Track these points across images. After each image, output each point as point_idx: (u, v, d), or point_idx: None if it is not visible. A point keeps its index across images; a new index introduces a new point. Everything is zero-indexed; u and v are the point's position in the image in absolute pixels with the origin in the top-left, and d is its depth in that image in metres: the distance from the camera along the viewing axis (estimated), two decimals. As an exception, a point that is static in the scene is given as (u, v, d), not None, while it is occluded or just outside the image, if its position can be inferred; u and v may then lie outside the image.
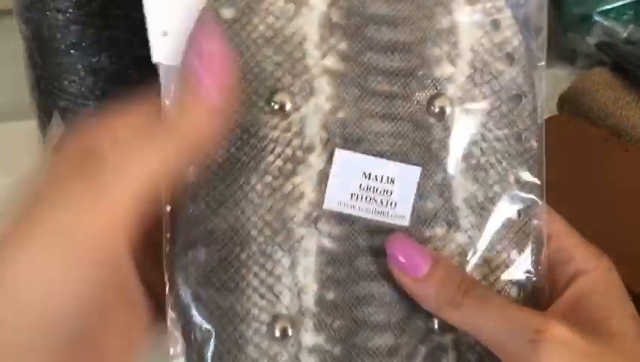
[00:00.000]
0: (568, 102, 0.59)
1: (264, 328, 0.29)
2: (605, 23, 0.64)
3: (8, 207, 0.24)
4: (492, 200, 0.30)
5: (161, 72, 0.30)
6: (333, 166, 0.29)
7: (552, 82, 0.65)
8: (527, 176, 0.31)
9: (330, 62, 0.29)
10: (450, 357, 0.30)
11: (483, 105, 0.30)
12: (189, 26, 0.29)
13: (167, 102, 0.29)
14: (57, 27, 0.51)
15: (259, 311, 0.29)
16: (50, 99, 0.54)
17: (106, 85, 0.53)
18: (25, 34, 0.53)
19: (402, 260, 0.29)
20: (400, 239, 0.30)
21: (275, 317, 0.29)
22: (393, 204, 0.30)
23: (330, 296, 0.30)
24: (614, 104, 0.55)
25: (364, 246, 0.30)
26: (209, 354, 0.29)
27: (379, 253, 0.30)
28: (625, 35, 0.63)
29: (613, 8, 0.64)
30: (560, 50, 0.69)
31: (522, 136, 0.31)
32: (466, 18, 0.30)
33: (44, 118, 0.56)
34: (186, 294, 0.29)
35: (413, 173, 0.30)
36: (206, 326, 0.29)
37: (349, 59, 0.30)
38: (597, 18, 0.64)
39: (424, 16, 0.30)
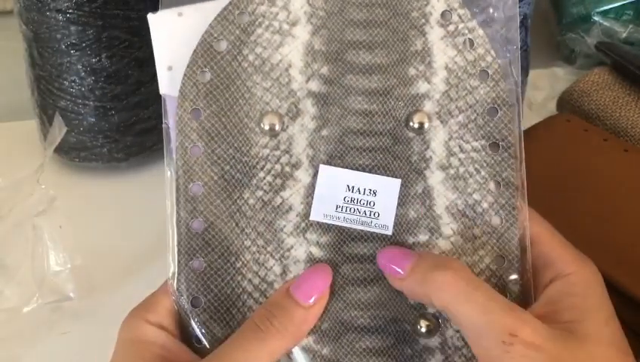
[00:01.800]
0: (568, 102, 0.59)
1: None
2: (605, 23, 0.64)
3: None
4: (472, 208, 0.32)
5: (167, 102, 0.33)
6: (318, 180, 0.32)
7: (551, 82, 0.65)
8: (506, 183, 0.32)
9: (314, 85, 0.32)
10: (436, 360, 0.31)
11: (460, 118, 0.32)
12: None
13: (168, 124, 0.33)
14: (57, 27, 0.51)
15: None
16: (50, 99, 0.54)
17: (105, 85, 0.53)
18: (25, 34, 0.53)
19: (388, 264, 0.31)
20: (387, 250, 0.32)
21: None
22: (376, 215, 0.32)
23: None
24: (614, 104, 0.55)
25: (350, 253, 0.32)
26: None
27: (363, 260, 0.32)
28: (624, 35, 0.63)
29: (612, 8, 0.64)
30: (559, 51, 0.69)
31: (500, 146, 0.32)
32: (439, 39, 0.33)
33: (45, 117, 0.56)
34: (186, 301, 0.31)
35: (394, 185, 0.32)
36: (205, 331, 0.31)
37: (331, 82, 0.32)
38: (596, 18, 0.64)
39: (399, 40, 0.32)
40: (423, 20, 0.33)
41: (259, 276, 0.32)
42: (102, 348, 0.45)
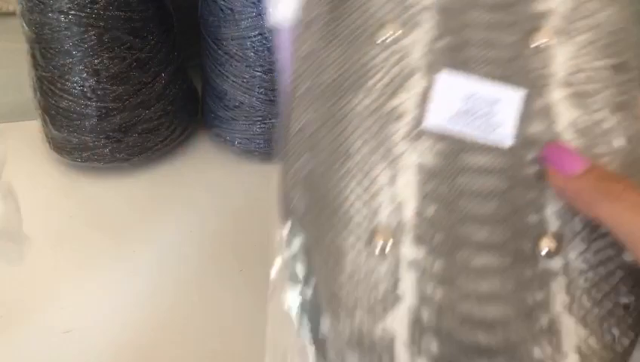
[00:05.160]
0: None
1: (363, 240, 0.30)
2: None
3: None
4: (598, 124, 0.30)
5: (279, 33, 0.34)
6: (435, 86, 0.30)
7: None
8: (633, 102, 0.30)
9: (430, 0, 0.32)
10: (559, 283, 0.29)
11: (583, 37, 0.31)
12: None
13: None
14: (60, 29, 0.51)
15: (360, 221, 0.30)
16: (52, 99, 0.54)
17: (107, 86, 0.53)
18: (28, 35, 0.54)
19: (560, 159, 0.29)
20: (557, 145, 0.30)
21: (375, 230, 0.30)
22: (495, 125, 0.30)
23: (431, 211, 0.30)
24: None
25: (466, 164, 0.30)
26: (305, 265, 0.30)
27: (481, 172, 0.30)
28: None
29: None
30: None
31: (626, 65, 0.31)
32: None
33: (47, 118, 0.56)
34: (291, 197, 0.31)
35: (517, 95, 0.30)
36: (306, 233, 0.30)
37: None
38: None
39: None
40: None
41: (368, 178, 0.30)
42: (104, 348, 0.45)
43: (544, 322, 0.28)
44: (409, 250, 0.29)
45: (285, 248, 0.31)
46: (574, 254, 0.29)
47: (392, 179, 0.30)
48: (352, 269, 0.29)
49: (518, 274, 0.29)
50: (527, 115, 0.30)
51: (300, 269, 0.30)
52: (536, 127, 0.30)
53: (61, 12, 0.51)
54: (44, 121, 0.57)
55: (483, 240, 0.29)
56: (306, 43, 0.32)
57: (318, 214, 0.30)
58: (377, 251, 0.29)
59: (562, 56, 0.31)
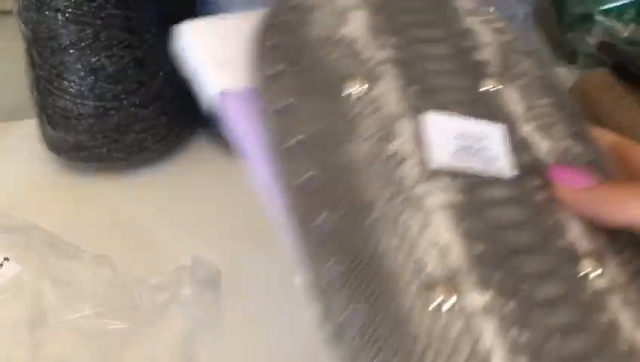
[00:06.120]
0: (569, 103, 0.59)
1: (420, 299, 0.26)
2: (606, 22, 0.63)
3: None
4: (568, 151, 0.32)
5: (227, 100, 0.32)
6: (426, 128, 0.30)
7: (552, 82, 0.65)
8: (585, 130, 0.33)
9: (387, 53, 0.32)
10: (615, 300, 0.28)
11: (520, 82, 0.34)
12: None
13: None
14: (56, 27, 0.51)
15: (409, 278, 0.26)
16: (49, 98, 0.54)
17: (105, 85, 0.53)
18: (25, 34, 0.53)
19: (570, 174, 0.30)
20: (563, 165, 0.31)
21: (429, 284, 0.26)
22: (492, 159, 0.30)
23: (478, 250, 0.27)
24: (615, 105, 0.55)
25: (486, 198, 0.29)
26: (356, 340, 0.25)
27: (501, 203, 0.29)
28: (626, 34, 0.63)
29: (614, 7, 0.64)
30: (560, 50, 0.69)
31: (561, 103, 0.34)
32: (476, 23, 0.35)
33: (44, 117, 0.56)
34: (320, 265, 0.27)
35: (500, 130, 0.32)
36: (354, 305, 0.26)
37: (401, 48, 0.33)
38: (598, 17, 0.64)
39: (447, 20, 0.35)
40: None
41: (396, 234, 0.27)
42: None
43: (623, 346, 0.27)
44: (475, 298, 0.26)
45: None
46: (614, 268, 0.29)
47: (425, 224, 0.27)
48: (424, 337, 0.25)
49: (578, 301, 0.28)
50: (512, 148, 0.31)
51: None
52: (524, 158, 0.31)
53: (58, 10, 0.50)
54: (40, 120, 0.56)
55: (535, 271, 0.28)
56: (277, 95, 0.30)
57: (359, 281, 0.26)
58: (443, 308, 0.26)
59: (512, 97, 0.33)
